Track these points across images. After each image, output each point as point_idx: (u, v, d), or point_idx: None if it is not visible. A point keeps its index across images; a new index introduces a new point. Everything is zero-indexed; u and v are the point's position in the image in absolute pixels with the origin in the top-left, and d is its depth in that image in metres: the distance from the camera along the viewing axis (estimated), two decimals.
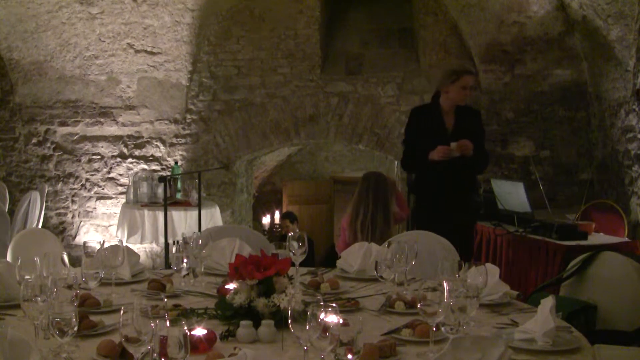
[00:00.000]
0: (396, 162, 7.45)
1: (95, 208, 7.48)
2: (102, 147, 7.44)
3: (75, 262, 2.68)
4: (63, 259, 2.48)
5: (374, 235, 4.60)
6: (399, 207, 4.87)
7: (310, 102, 7.20)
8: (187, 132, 7.36)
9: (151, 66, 7.16)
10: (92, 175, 7.46)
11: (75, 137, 7.45)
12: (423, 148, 4.40)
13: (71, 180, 7.49)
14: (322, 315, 1.70)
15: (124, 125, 7.40)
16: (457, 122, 4.47)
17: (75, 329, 1.87)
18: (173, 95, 7.30)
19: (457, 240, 3.90)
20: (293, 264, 2.71)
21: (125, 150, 7.43)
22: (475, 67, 6.86)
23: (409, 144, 4.61)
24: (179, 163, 7.20)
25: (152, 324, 1.67)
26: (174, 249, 2.95)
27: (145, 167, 7.38)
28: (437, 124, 4.48)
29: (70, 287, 2.52)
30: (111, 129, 7.42)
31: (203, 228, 5.67)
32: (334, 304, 1.76)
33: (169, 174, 6.83)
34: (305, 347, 1.78)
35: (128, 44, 7.03)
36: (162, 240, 6.20)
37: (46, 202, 7.07)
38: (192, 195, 6.50)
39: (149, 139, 7.41)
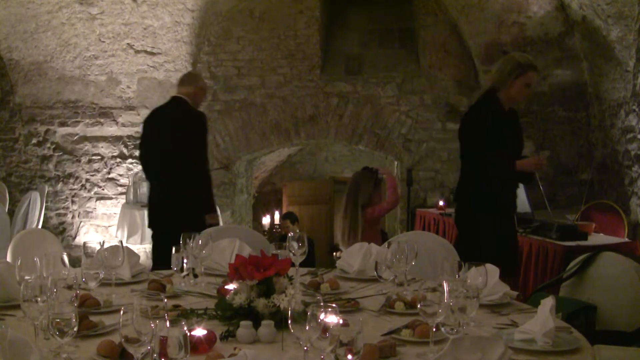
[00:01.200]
0: (396, 163, 7.44)
1: (95, 208, 7.48)
2: (102, 147, 7.44)
3: (75, 262, 2.68)
4: (63, 259, 2.47)
5: (344, 232, 4.66)
6: (390, 198, 4.80)
7: (310, 102, 7.20)
8: None
9: (151, 66, 7.16)
10: (92, 175, 7.46)
11: (75, 138, 7.45)
12: (503, 156, 3.78)
13: (71, 180, 7.49)
14: (322, 316, 1.70)
15: (124, 125, 7.40)
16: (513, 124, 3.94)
17: (75, 329, 1.87)
18: None
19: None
20: (293, 265, 2.71)
21: (125, 150, 7.43)
22: (476, 68, 6.87)
23: (492, 153, 3.77)
24: None
25: (152, 325, 1.67)
26: (174, 250, 2.95)
27: None
28: (506, 126, 3.83)
29: (70, 287, 2.51)
30: (111, 130, 7.42)
31: None
32: (333, 305, 1.75)
33: None
34: (305, 348, 1.78)
35: (128, 44, 7.03)
36: None
37: (46, 202, 7.07)
38: None
39: None
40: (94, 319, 2.22)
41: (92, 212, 7.49)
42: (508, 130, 3.83)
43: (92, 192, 7.47)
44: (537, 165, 3.86)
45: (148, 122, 4.82)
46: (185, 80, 4.80)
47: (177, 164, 4.52)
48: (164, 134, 4.58)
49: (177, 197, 4.50)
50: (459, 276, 2.30)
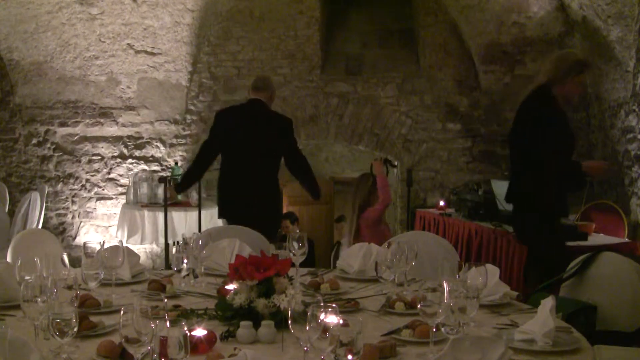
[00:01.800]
0: (396, 162, 7.44)
1: (95, 209, 7.48)
2: (102, 147, 7.44)
3: (75, 262, 2.68)
4: (63, 259, 2.48)
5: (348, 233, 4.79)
6: (380, 198, 4.82)
7: (311, 102, 7.20)
8: (187, 132, 7.36)
9: (151, 67, 7.16)
10: (92, 175, 7.46)
11: (75, 138, 7.45)
12: (569, 158, 3.65)
13: (71, 180, 7.49)
14: (322, 316, 1.70)
15: (124, 125, 7.40)
16: None
17: (75, 329, 1.87)
18: (173, 95, 7.30)
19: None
20: (293, 265, 2.71)
21: (125, 150, 7.43)
22: (476, 68, 6.87)
23: (561, 153, 3.62)
24: (179, 163, 7.20)
25: (152, 325, 1.67)
26: (174, 250, 2.95)
27: (146, 167, 7.38)
28: (566, 125, 3.70)
29: (70, 287, 2.51)
30: (111, 130, 7.42)
31: (203, 228, 5.66)
32: (333, 305, 1.75)
33: (169, 174, 6.83)
34: (305, 348, 1.78)
35: (128, 44, 7.03)
36: (162, 240, 6.20)
37: (46, 202, 7.07)
38: (192, 195, 6.50)
39: (149, 140, 7.41)
40: (94, 319, 2.22)
41: (92, 212, 7.49)
42: (567, 129, 3.70)
43: (92, 192, 7.47)
44: (603, 170, 3.71)
45: (226, 118, 4.75)
46: (263, 85, 4.86)
47: (275, 165, 4.65)
48: (257, 134, 4.61)
49: (276, 198, 4.74)
50: (459, 276, 2.30)
